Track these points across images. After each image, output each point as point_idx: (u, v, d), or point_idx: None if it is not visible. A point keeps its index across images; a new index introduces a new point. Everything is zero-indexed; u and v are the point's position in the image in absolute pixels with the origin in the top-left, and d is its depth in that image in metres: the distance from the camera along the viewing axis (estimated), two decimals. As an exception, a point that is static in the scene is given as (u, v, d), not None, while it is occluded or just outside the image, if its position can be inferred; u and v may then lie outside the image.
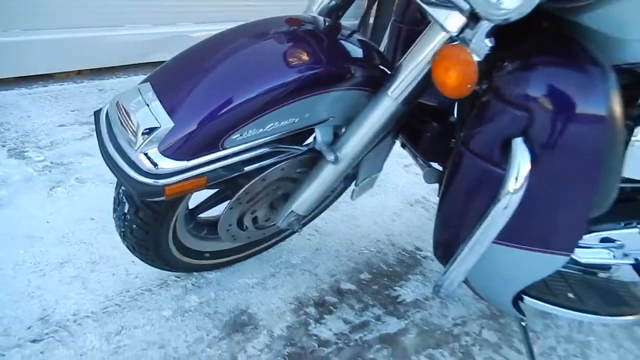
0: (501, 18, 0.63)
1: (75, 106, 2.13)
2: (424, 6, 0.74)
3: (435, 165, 1.06)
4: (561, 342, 1.15)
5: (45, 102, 2.11)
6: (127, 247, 1.02)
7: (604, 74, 0.67)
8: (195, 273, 1.21)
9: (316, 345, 1.07)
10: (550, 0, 0.63)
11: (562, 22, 0.72)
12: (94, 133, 1.74)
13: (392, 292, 1.25)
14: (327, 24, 0.92)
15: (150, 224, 0.94)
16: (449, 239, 0.86)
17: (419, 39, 0.79)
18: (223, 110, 0.75)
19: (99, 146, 0.80)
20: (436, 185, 1.04)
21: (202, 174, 0.79)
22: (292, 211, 0.99)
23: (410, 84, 0.80)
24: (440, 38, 0.74)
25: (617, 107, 0.67)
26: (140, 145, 0.73)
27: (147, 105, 0.76)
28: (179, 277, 1.20)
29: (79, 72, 2.44)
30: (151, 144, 0.73)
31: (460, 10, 0.68)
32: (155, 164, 0.74)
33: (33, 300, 1.09)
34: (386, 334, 1.12)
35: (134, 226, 0.94)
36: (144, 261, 1.06)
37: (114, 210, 0.97)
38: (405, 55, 0.81)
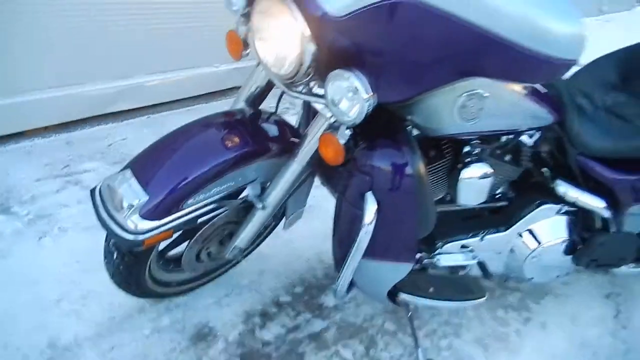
0: (349, 123, 1.02)
1: (47, 160, 2.43)
2: (313, 104, 1.14)
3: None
4: (441, 325, 1.57)
5: (19, 158, 2.41)
6: (115, 283, 1.37)
7: (412, 149, 1.09)
8: (166, 299, 1.57)
9: (261, 346, 1.45)
10: (377, 107, 1.02)
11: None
12: (68, 185, 2.06)
13: (319, 300, 1.64)
14: (251, 112, 1.31)
15: (133, 265, 1.30)
16: (340, 256, 1.26)
17: (312, 121, 1.18)
18: (181, 185, 1.13)
19: (95, 213, 1.16)
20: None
21: (169, 228, 1.16)
22: (235, 246, 1.37)
23: (309, 152, 1.19)
24: (324, 122, 1.13)
25: (422, 167, 1.09)
26: (126, 214, 1.10)
27: (130, 185, 1.12)
28: (153, 303, 1.55)
29: (46, 128, 2.73)
30: (134, 212, 1.10)
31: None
32: (136, 225, 1.11)
33: (40, 332, 1.43)
34: (313, 332, 1.51)
35: (121, 268, 1.30)
36: (127, 292, 1.41)
37: (105, 257, 1.33)
38: (305, 133, 1.20)
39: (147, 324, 1.48)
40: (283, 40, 1.00)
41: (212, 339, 1.45)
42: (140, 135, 2.85)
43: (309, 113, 1.49)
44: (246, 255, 1.61)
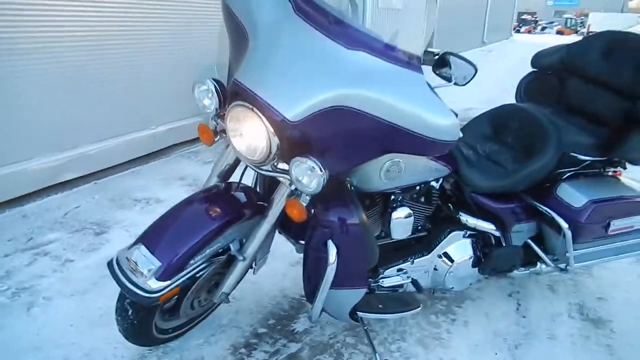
0: (311, 192, 1.41)
1: (9, 236, 2.57)
2: (279, 178, 1.52)
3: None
4: (390, 333, 1.98)
5: (-19, 236, 2.52)
6: (127, 335, 1.63)
7: (356, 204, 1.51)
8: (161, 345, 1.82)
9: (250, 371, 1.76)
10: (332, 178, 1.43)
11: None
12: (38, 257, 2.23)
13: (290, 327, 1.99)
14: (224, 186, 1.67)
15: (144, 318, 1.58)
16: (310, 289, 1.64)
17: (276, 190, 1.56)
18: (183, 252, 1.46)
19: (115, 280, 1.44)
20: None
21: (177, 285, 1.48)
22: (222, 292, 1.70)
23: (276, 214, 1.56)
24: (285, 190, 1.51)
25: (364, 216, 1.51)
26: (145, 278, 1.40)
27: (144, 256, 1.43)
28: (151, 350, 1.81)
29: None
30: (151, 276, 1.41)
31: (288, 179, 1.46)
32: (153, 286, 1.41)
33: (56, 388, 1.63)
34: (290, 354, 1.84)
35: (135, 322, 1.57)
36: (136, 343, 1.67)
37: (119, 314, 1.59)
38: (271, 199, 1.58)
39: (150, 368, 1.73)
40: (254, 137, 1.36)
41: (209, 372, 1.74)
42: (92, 202, 3.05)
43: (261, 177, 1.86)
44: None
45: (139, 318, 1.58)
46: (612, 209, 1.91)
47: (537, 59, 2.29)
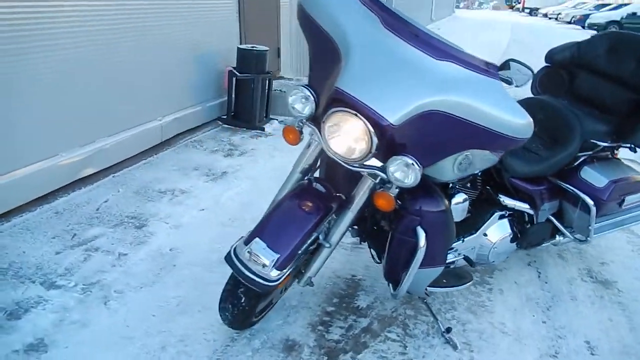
0: (407, 185, 1.61)
1: (51, 233, 2.59)
2: (364, 173, 1.69)
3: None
4: (442, 304, 2.24)
5: (22, 236, 2.53)
6: (231, 323, 1.78)
7: (440, 195, 1.73)
8: (245, 330, 1.97)
9: (335, 344, 1.96)
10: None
11: None
12: (90, 253, 2.30)
13: (354, 304, 2.20)
14: (307, 181, 1.83)
15: (254, 304, 1.74)
16: (394, 272, 1.85)
17: (359, 184, 1.74)
18: (295, 244, 1.62)
19: (237, 273, 1.59)
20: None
21: (289, 273, 1.65)
22: (308, 277, 1.87)
23: (359, 204, 1.75)
24: (369, 183, 1.70)
25: (448, 205, 1.73)
26: (269, 269, 1.56)
27: (264, 249, 1.58)
28: (238, 334, 1.95)
29: (27, 203, 2.82)
30: (272, 266, 1.57)
31: (385, 177, 1.65)
32: (274, 275, 1.57)
33: (165, 373, 1.76)
34: (363, 327, 2.06)
35: (247, 308, 1.72)
36: (238, 328, 1.83)
37: (229, 302, 1.73)
38: (355, 189, 1.76)
39: (245, 348, 1.89)
40: (355, 138, 1.54)
41: (299, 348, 1.91)
42: (119, 196, 3.09)
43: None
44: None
45: (251, 304, 1.74)
46: (627, 187, 2.25)
47: (551, 55, 2.58)
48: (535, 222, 2.28)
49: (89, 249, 2.47)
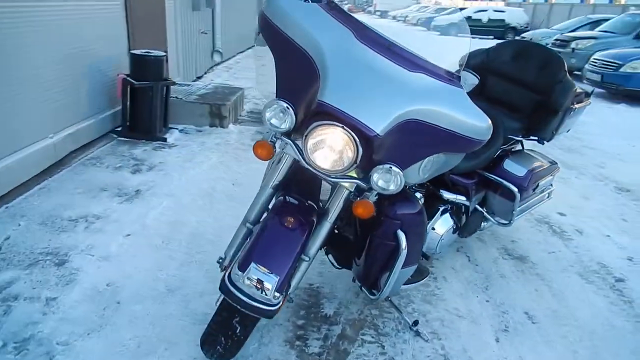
0: (391, 192, 1.67)
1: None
2: (343, 183, 1.72)
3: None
4: (400, 299, 2.36)
5: None
6: (221, 356, 1.67)
7: (415, 197, 1.83)
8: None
9: (317, 357, 1.95)
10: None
11: None
12: (11, 303, 2.01)
13: (321, 313, 2.21)
14: (281, 196, 1.80)
15: (249, 331, 1.65)
16: (371, 276, 1.90)
17: (334, 193, 1.77)
18: (291, 263, 1.59)
19: (235, 302, 1.50)
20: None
21: (287, 293, 1.60)
22: (288, 293, 1.84)
23: (336, 213, 1.77)
24: (344, 192, 1.74)
25: (422, 206, 1.84)
26: (271, 293, 1.50)
27: (264, 274, 1.52)
28: (217, 364, 1.84)
29: None
30: (274, 290, 1.51)
31: (364, 186, 1.69)
32: (276, 298, 1.52)
33: None
34: (339, 334, 2.08)
35: (242, 337, 1.63)
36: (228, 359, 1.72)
37: (221, 334, 1.62)
38: (330, 200, 1.78)
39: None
40: (340, 151, 1.57)
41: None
42: (22, 230, 2.69)
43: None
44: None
45: (246, 333, 1.65)
46: (539, 174, 2.59)
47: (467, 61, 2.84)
48: (469, 213, 2.52)
49: (6, 299, 2.10)
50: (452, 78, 1.72)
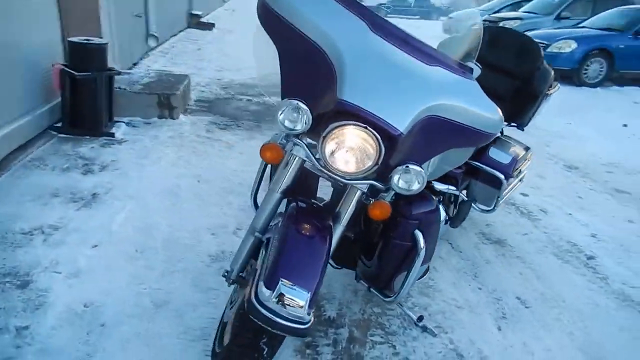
0: (412, 193, 1.60)
1: None
2: (357, 185, 1.62)
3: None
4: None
5: None
6: None
7: (430, 195, 1.77)
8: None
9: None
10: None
11: None
12: None
13: (325, 316, 2.12)
14: (292, 200, 1.67)
15: (276, 350, 1.52)
16: (385, 279, 1.84)
17: (345, 196, 1.67)
18: (319, 275, 1.45)
19: (268, 325, 1.35)
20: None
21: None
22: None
23: (349, 216, 1.68)
24: (358, 194, 1.65)
25: (438, 206, 1.79)
26: (305, 310, 1.38)
27: (294, 289, 1.38)
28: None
29: None
30: (308, 307, 1.39)
31: (381, 186, 1.61)
32: (308, 316, 1.40)
33: None
34: (347, 337, 2.00)
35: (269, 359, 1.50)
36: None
37: (247, 356, 1.47)
38: (342, 202, 1.68)
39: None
40: (363, 152, 1.47)
41: None
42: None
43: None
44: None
45: (273, 353, 1.52)
46: (520, 160, 2.64)
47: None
48: (458, 202, 2.52)
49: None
50: (465, 70, 1.67)
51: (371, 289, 1.98)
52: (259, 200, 1.85)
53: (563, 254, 2.87)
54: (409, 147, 1.52)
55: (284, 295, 1.38)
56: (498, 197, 2.58)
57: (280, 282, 1.40)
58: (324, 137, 1.46)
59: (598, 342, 2.13)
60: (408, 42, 1.58)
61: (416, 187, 1.54)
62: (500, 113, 1.72)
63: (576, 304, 2.39)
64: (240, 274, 1.76)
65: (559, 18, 10.63)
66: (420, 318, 2.12)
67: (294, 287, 1.40)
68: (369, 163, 1.47)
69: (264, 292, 1.40)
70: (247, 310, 1.39)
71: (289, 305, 1.38)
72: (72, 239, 2.48)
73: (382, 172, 1.55)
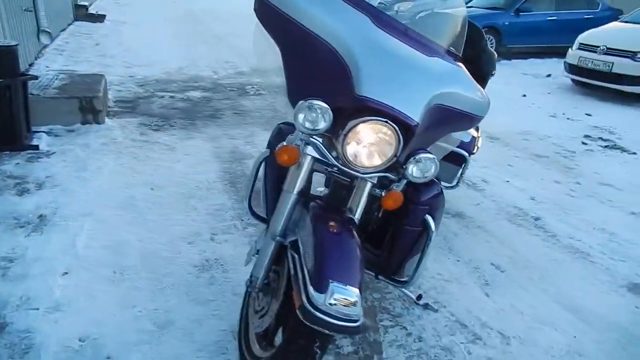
0: (427, 179, 1.67)
1: None
2: (365, 177, 1.65)
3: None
4: (391, 277, 2.42)
5: None
6: None
7: (437, 181, 1.87)
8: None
9: (355, 355, 1.90)
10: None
11: None
12: None
13: (333, 310, 2.14)
14: (310, 200, 1.67)
15: (325, 350, 1.52)
16: (395, 265, 1.90)
17: (356, 189, 1.71)
18: (360, 273, 1.47)
19: (325, 327, 1.35)
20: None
21: None
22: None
23: (361, 210, 1.72)
24: (369, 186, 1.69)
25: (442, 188, 1.89)
26: (358, 308, 1.40)
27: (345, 289, 1.39)
28: None
29: None
30: (360, 304, 1.41)
31: (394, 177, 1.66)
32: (360, 311, 1.43)
33: None
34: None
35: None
36: None
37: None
38: (353, 196, 1.71)
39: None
40: (386, 144, 1.52)
41: None
42: None
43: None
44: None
45: (323, 354, 1.51)
46: (477, 137, 2.84)
47: None
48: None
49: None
50: (455, 58, 1.78)
51: (379, 277, 2.04)
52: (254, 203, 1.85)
53: (514, 218, 3.17)
54: (419, 136, 1.59)
55: (338, 297, 1.39)
56: (461, 174, 2.76)
57: (330, 284, 1.40)
58: (344, 135, 1.47)
59: (567, 293, 2.41)
60: (408, 35, 1.64)
61: (431, 173, 1.61)
62: (488, 98, 1.85)
63: (540, 263, 2.67)
64: (265, 281, 1.72)
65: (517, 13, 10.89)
66: (419, 297, 2.24)
67: (345, 287, 1.41)
68: (390, 154, 1.51)
69: (316, 296, 1.38)
70: (303, 317, 1.37)
71: (342, 305, 1.39)
72: (36, 270, 2.22)
73: (394, 162, 1.61)
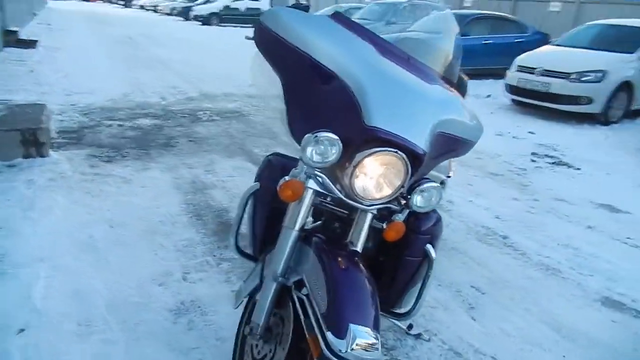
0: (432, 208, 1.63)
1: None
2: (368, 209, 1.60)
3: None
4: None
5: None
6: None
7: (437, 213, 1.83)
8: None
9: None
10: None
11: None
12: None
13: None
14: (311, 236, 1.59)
15: None
16: (396, 297, 1.84)
17: (357, 220, 1.66)
18: (375, 311, 1.40)
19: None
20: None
21: None
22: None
23: (362, 242, 1.66)
24: (370, 218, 1.65)
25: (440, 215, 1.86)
26: (380, 351, 1.32)
27: (365, 332, 1.31)
28: None
29: None
30: (379, 344, 1.33)
31: (397, 208, 1.62)
32: (379, 351, 1.35)
33: None
34: None
35: None
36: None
37: None
38: (354, 228, 1.65)
39: None
40: (393, 175, 1.47)
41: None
42: None
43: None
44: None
45: None
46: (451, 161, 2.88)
47: None
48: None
49: None
50: (451, 85, 1.79)
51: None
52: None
53: (484, 238, 3.22)
54: (424, 164, 1.56)
55: (360, 340, 1.31)
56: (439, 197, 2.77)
57: (350, 327, 1.32)
58: (353, 166, 1.42)
59: (548, 311, 2.45)
60: (410, 62, 1.62)
61: (434, 202, 1.58)
62: (481, 123, 1.87)
63: (517, 282, 2.71)
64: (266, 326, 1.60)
65: (388, 23, 11.68)
66: (410, 326, 2.19)
67: (365, 329, 1.33)
68: (398, 184, 1.47)
69: (335, 342, 1.30)
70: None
71: (364, 349, 1.31)
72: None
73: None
